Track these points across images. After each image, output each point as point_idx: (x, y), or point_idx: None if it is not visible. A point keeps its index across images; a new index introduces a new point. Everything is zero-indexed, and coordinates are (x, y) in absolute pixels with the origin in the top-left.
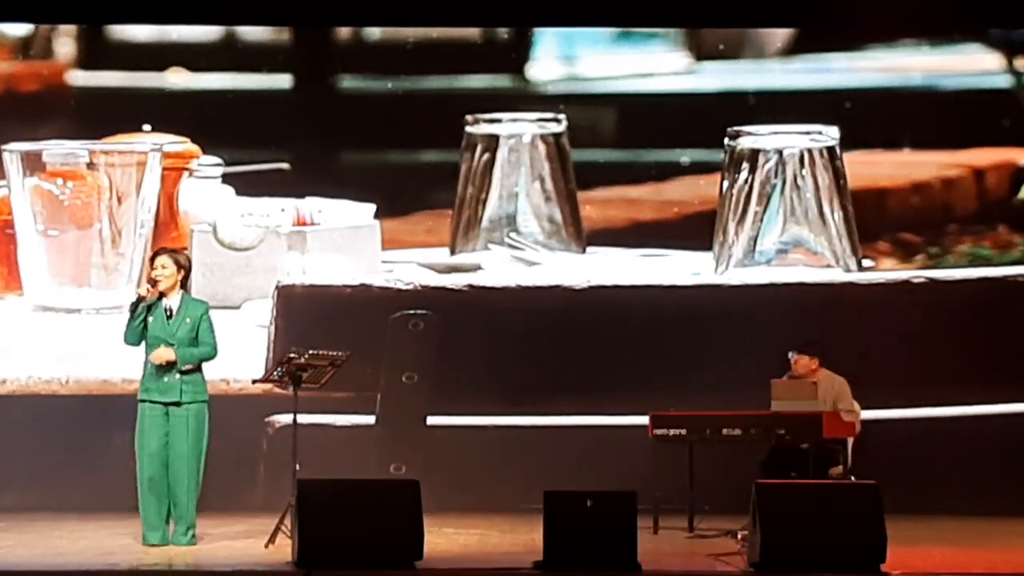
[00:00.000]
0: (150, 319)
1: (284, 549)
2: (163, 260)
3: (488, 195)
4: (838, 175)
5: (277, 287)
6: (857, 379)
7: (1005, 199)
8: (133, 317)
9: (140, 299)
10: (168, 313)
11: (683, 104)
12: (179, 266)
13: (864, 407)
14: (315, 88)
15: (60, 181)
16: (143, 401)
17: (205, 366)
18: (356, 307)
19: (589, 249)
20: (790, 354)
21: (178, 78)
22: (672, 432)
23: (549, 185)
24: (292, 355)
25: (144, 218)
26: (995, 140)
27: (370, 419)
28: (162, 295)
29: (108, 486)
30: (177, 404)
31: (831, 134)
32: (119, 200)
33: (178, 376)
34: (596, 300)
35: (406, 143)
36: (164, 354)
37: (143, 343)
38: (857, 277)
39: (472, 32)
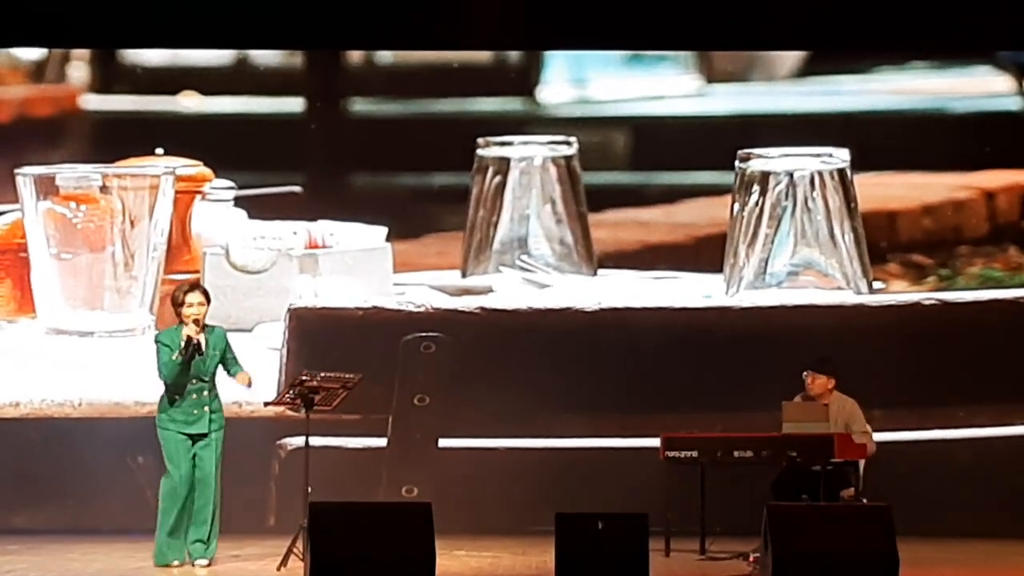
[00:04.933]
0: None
1: (296, 572)
2: (199, 298)
3: (499, 218)
4: (849, 197)
5: (289, 310)
6: (868, 401)
7: (1015, 221)
8: (182, 358)
9: (190, 340)
10: (198, 348)
11: (694, 127)
12: (208, 301)
13: (875, 429)
14: (327, 112)
15: (73, 204)
16: (167, 430)
17: (218, 388)
18: (368, 329)
19: (600, 271)
20: (804, 374)
21: (190, 102)
22: (683, 454)
23: (560, 208)
24: (304, 377)
25: (157, 241)
26: (1005, 162)
27: (382, 441)
28: None
29: (121, 509)
30: (204, 435)
31: (841, 156)
32: (132, 223)
33: (206, 409)
34: (607, 322)
35: (417, 166)
36: (248, 380)
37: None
38: (868, 299)
39: (483, 56)
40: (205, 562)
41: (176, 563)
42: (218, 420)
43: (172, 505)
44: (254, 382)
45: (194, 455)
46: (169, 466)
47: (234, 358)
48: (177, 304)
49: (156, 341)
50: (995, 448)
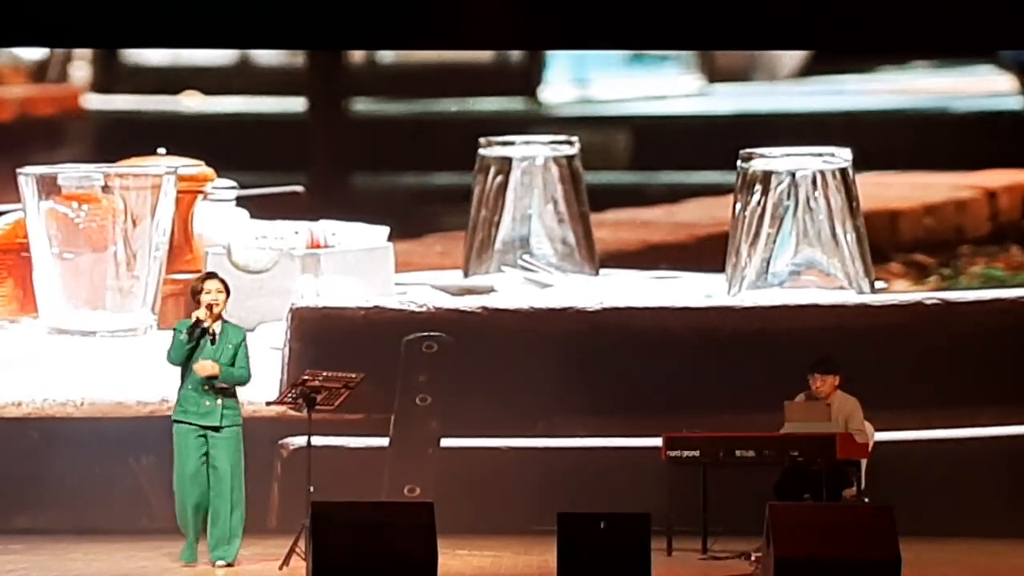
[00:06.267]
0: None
1: (298, 571)
2: (217, 285)
3: (501, 217)
4: (851, 197)
5: (291, 309)
6: (870, 400)
7: (1018, 220)
8: (189, 339)
9: (198, 322)
10: (212, 338)
11: (696, 126)
12: (228, 292)
13: (877, 429)
14: (328, 111)
15: (75, 204)
16: (179, 422)
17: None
18: (370, 329)
19: (602, 271)
20: (810, 379)
21: (192, 102)
22: (685, 454)
23: (562, 207)
24: (306, 377)
25: (159, 241)
26: (1008, 161)
27: (384, 441)
28: None
29: (123, 509)
30: (217, 429)
31: (843, 156)
32: (134, 223)
33: (219, 401)
34: (609, 322)
35: (419, 166)
36: (208, 367)
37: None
38: (870, 299)
39: (485, 55)
40: (224, 563)
41: (190, 562)
42: (231, 416)
43: (182, 503)
44: (213, 373)
45: (207, 452)
46: (176, 461)
47: (244, 358)
48: (196, 292)
49: (174, 330)
50: (997, 447)
